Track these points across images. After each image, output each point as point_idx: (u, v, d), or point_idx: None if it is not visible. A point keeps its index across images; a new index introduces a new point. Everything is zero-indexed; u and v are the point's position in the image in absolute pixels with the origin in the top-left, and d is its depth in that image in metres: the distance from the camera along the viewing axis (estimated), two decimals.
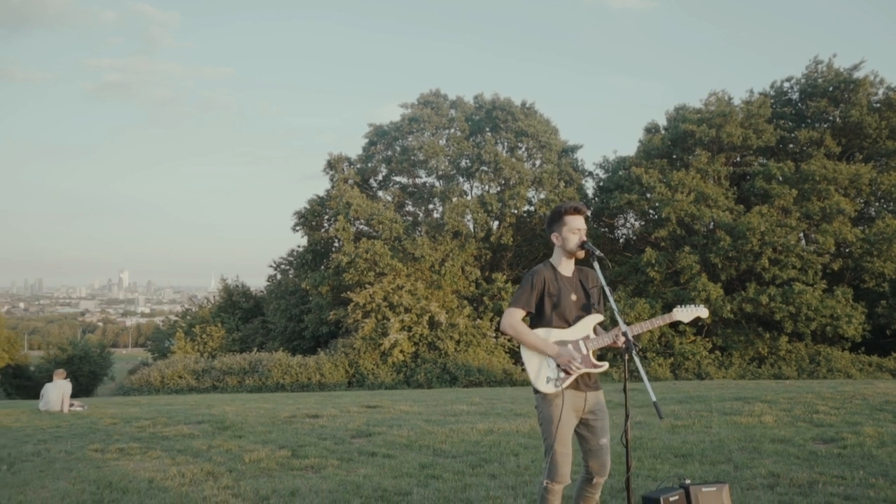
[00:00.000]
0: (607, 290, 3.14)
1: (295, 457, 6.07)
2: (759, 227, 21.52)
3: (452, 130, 29.44)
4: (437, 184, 30.01)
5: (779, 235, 21.87)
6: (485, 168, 27.39)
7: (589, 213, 3.36)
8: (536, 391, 3.16)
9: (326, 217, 30.69)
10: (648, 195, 24.30)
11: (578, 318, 3.22)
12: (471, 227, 27.27)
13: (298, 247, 33.27)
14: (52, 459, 6.02)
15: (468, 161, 28.22)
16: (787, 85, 26.89)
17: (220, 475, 5.22)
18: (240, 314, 34.69)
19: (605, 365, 3.19)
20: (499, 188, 27.71)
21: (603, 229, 28.36)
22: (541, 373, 3.12)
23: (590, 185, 29.19)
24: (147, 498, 4.44)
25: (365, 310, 24.47)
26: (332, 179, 31.21)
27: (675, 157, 26.06)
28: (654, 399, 2.78)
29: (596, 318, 3.26)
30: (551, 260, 3.36)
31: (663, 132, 26.62)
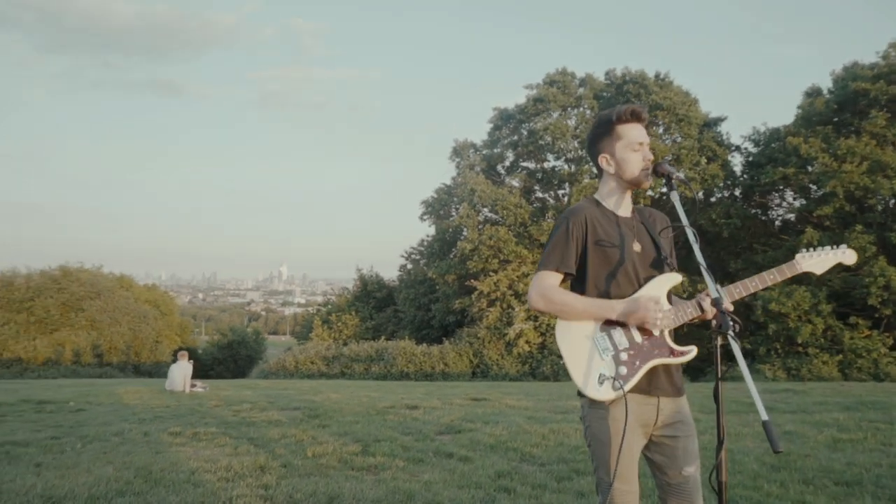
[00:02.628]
0: (692, 235, 1.99)
1: (363, 454, 5.42)
2: None
3: (581, 109, 27.79)
4: (565, 167, 28.52)
5: None
6: None
7: (647, 118, 2.22)
8: (582, 395, 2.10)
9: (453, 205, 30.38)
10: (809, 168, 21.16)
11: (647, 279, 2.14)
12: None
13: (427, 236, 33.35)
14: (125, 441, 5.90)
15: None
16: None
17: (270, 470, 4.69)
18: (373, 303, 35.58)
19: (692, 350, 2.07)
20: None
21: (754, 210, 25.27)
22: (591, 367, 2.04)
23: (737, 161, 26.14)
24: (174, 492, 3.98)
25: (489, 298, 23.78)
26: (457, 166, 30.85)
27: (842, 122, 22.45)
28: (764, 418, 1.57)
29: (671, 278, 2.14)
30: (597, 195, 2.28)
31: (827, 95, 23.02)
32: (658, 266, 2.16)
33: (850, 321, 19.89)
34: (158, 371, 30.23)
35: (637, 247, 2.16)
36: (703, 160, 24.18)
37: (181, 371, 11.70)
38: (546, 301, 2.12)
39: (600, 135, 2.23)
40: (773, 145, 23.44)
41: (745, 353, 21.80)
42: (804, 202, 23.36)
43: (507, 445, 5.77)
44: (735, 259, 23.85)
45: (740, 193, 26.03)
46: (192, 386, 11.79)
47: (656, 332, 2.04)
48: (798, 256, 2.18)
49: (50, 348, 31.49)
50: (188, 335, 44.17)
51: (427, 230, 43.54)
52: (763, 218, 25.69)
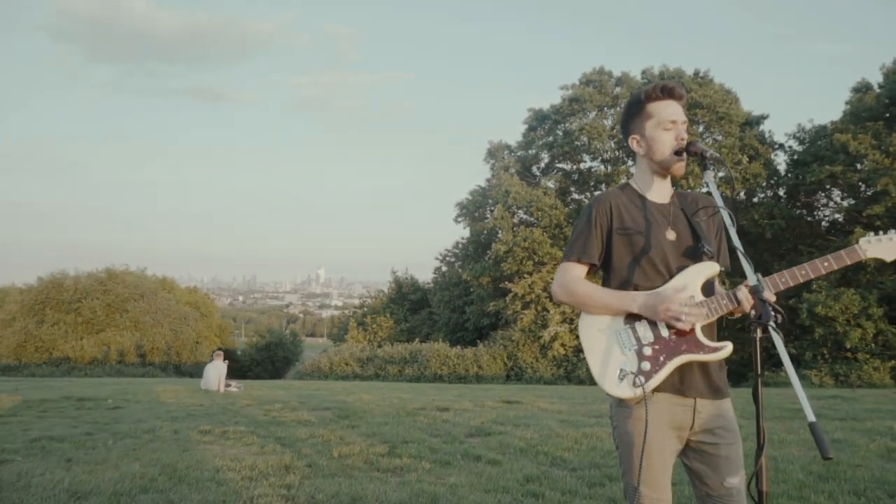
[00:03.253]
0: (729, 217, 1.80)
1: (389, 455, 5.33)
2: None
3: (618, 109, 27.33)
4: (601, 167, 28.08)
5: None
6: None
7: (685, 96, 2.02)
8: (609, 394, 1.95)
9: (488, 207, 30.22)
10: (858, 165, 20.33)
11: (680, 269, 1.95)
12: None
13: (462, 238, 33.27)
14: (155, 438, 5.93)
15: None
16: None
17: (295, 470, 4.63)
18: (408, 305, 35.66)
19: (725, 347, 1.88)
20: None
21: (799, 210, 24.42)
22: (608, 361, 1.89)
23: (781, 160, 25.34)
24: (197, 490, 3.95)
25: (524, 300, 23.52)
26: (492, 168, 30.69)
27: (893, 117, 21.52)
28: (811, 419, 1.43)
29: (707, 267, 1.93)
30: (632, 181, 2.12)
31: (878, 90, 22.10)
32: (694, 255, 1.97)
33: None
34: (198, 371, 30.71)
35: (671, 235, 1.98)
36: (745, 159, 23.51)
37: (216, 371, 11.85)
38: (568, 293, 1.99)
39: (632, 115, 2.06)
40: (819, 143, 22.63)
41: (792, 359, 20.99)
42: (853, 202, 22.48)
43: (537, 449, 5.60)
44: (779, 261, 23.07)
45: (784, 193, 25.20)
46: (227, 385, 11.93)
47: (683, 327, 1.85)
48: (862, 240, 1.92)
49: (96, 348, 32.43)
50: (227, 336, 44.99)
51: (462, 232, 43.50)
52: (809, 218, 24.82)
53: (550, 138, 28.84)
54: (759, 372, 1.58)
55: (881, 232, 1.96)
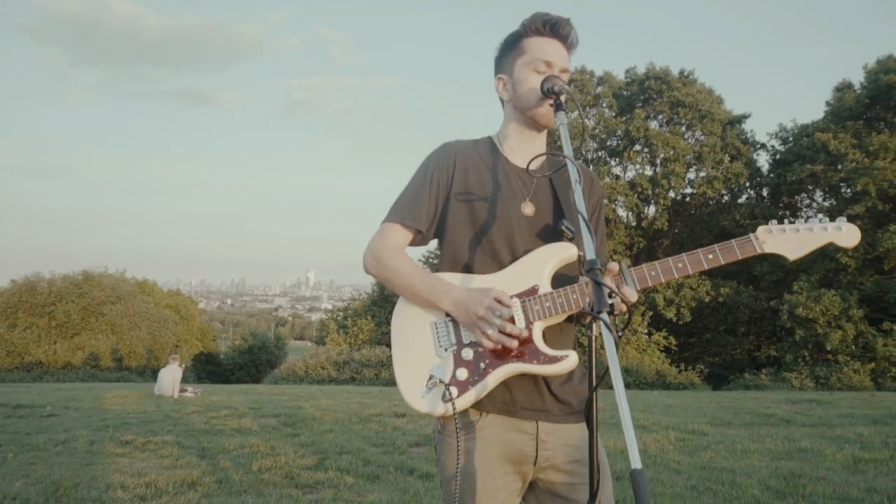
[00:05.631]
0: (576, 173, 1.31)
1: (316, 468, 4.88)
2: None
3: (600, 109, 27.03)
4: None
5: None
6: (637, 147, 24.68)
7: (576, 42, 1.57)
8: (411, 408, 1.49)
9: None
10: (839, 165, 20.10)
11: (531, 250, 1.49)
12: (620, 212, 24.72)
13: None
14: (65, 450, 5.44)
15: (616, 140, 25.66)
16: None
17: (200, 486, 4.17)
18: (390, 308, 35.11)
19: (567, 358, 1.39)
20: (653, 169, 24.83)
21: (781, 211, 24.19)
22: (417, 363, 1.45)
23: (763, 160, 25.12)
24: None
25: None
26: None
27: (874, 117, 21.35)
28: (634, 466, 0.92)
29: (562, 250, 1.47)
30: (495, 135, 1.66)
31: (859, 90, 21.93)
32: (550, 235, 1.51)
33: (883, 327, 18.78)
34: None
35: (528, 208, 1.53)
36: (727, 158, 23.25)
37: (170, 375, 11.33)
38: (376, 261, 1.54)
39: (504, 51, 1.61)
40: (801, 142, 22.43)
41: (772, 361, 20.75)
42: (834, 202, 22.29)
43: None
44: (761, 262, 22.82)
45: (767, 193, 24.97)
46: (182, 391, 11.41)
47: (488, 344, 1.39)
48: (760, 230, 1.48)
49: (70, 352, 31.70)
50: (209, 340, 44.30)
51: None
52: (792, 219, 24.46)
53: None
54: (594, 383, 1.11)
55: (786, 220, 1.51)
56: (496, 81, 1.63)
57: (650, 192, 23.56)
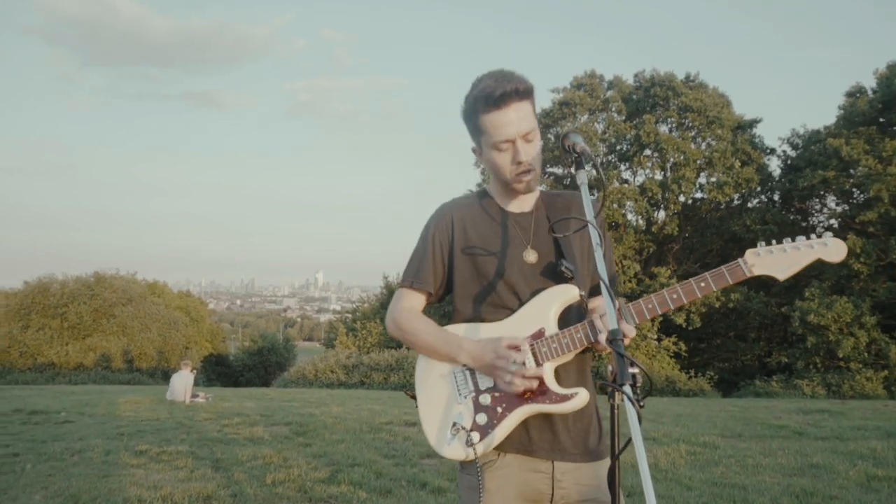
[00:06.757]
0: (597, 236, 1.36)
1: (328, 481, 4.92)
2: None
3: (609, 113, 26.99)
4: (593, 172, 27.77)
5: None
6: (647, 152, 24.61)
7: (529, 92, 1.54)
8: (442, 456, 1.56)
9: None
10: (851, 171, 19.98)
11: (535, 294, 1.55)
12: (630, 216, 24.67)
13: None
14: (82, 460, 5.52)
15: (627, 145, 25.61)
16: None
17: (216, 499, 4.22)
18: None
19: (577, 395, 1.47)
20: (663, 173, 24.77)
21: (793, 216, 24.06)
22: (442, 413, 1.52)
23: (774, 165, 24.98)
24: None
25: None
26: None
27: (887, 122, 21.20)
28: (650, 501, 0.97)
29: (564, 292, 1.53)
30: (488, 185, 1.73)
31: (871, 95, 21.78)
32: (553, 274, 1.57)
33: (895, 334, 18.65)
34: None
35: (531, 256, 1.58)
36: (737, 163, 23.14)
37: (182, 381, 11.44)
38: (396, 326, 1.63)
39: (468, 123, 1.62)
40: (812, 147, 22.29)
41: (783, 368, 20.60)
42: (846, 207, 22.14)
43: None
44: None
45: (778, 198, 24.84)
46: (194, 396, 11.51)
47: (511, 390, 1.46)
48: (749, 253, 1.54)
49: (82, 353, 31.99)
50: (219, 341, 44.55)
51: None
52: (804, 224, 24.45)
53: (541, 142, 28.54)
54: (616, 452, 1.14)
55: (773, 242, 1.57)
56: (473, 150, 1.67)
57: (660, 196, 23.51)
